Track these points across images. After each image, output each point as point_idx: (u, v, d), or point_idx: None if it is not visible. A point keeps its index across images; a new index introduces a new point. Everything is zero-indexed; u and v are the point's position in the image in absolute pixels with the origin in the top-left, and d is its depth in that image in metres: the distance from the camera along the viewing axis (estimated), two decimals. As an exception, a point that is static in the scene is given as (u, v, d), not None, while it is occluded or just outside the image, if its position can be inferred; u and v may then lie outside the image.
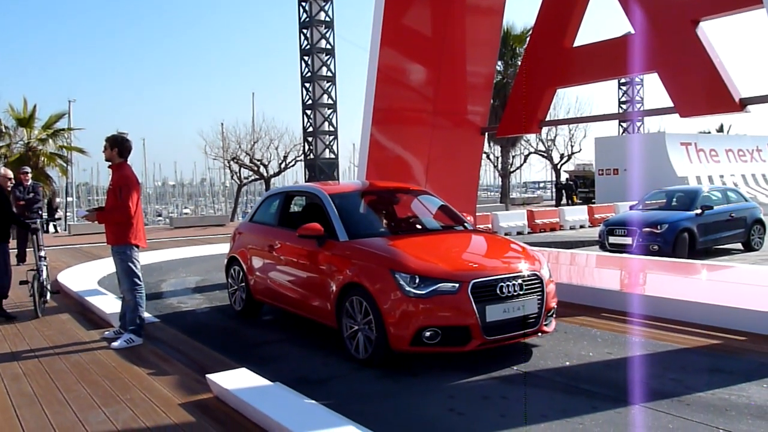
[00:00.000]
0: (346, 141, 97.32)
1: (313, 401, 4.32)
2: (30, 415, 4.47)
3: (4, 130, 26.15)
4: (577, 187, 40.30)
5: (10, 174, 8.34)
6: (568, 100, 47.17)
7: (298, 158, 36.32)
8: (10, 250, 8.14)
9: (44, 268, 8.11)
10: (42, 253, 8.15)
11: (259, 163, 36.35)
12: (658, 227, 13.18)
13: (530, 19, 43.91)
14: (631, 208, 16.11)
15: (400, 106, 10.71)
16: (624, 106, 45.09)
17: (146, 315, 6.76)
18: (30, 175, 12.86)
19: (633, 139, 38.26)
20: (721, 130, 53.97)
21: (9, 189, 8.60)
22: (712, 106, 7.78)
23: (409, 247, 5.87)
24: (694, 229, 13.35)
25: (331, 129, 33.64)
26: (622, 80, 44.97)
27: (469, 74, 11.37)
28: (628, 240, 13.54)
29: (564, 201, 37.50)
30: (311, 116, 33.13)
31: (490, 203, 40.91)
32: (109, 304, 7.84)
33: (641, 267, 10.37)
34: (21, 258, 12.67)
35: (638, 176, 29.31)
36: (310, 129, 33.29)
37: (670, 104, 8.19)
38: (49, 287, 8.35)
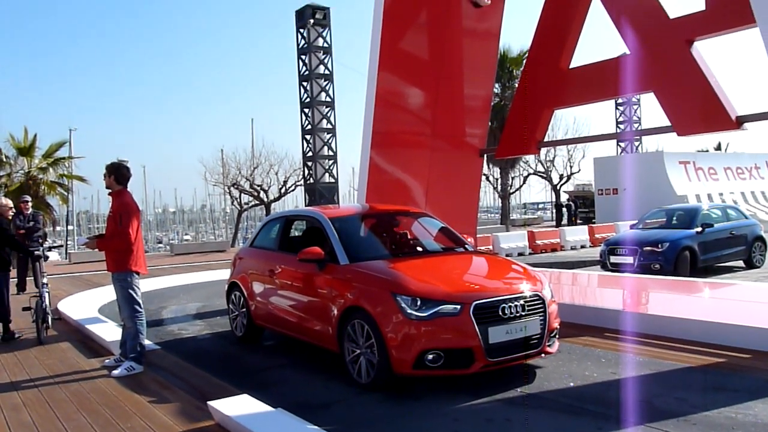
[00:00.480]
0: (346, 165, 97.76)
1: (316, 426, 4.29)
2: (30, 445, 4.42)
3: (4, 160, 26.25)
4: (577, 207, 40.33)
5: (11, 204, 8.38)
6: (566, 120, 47.26)
7: (298, 183, 36.44)
8: (10, 279, 8.17)
9: (46, 294, 8.22)
10: (44, 280, 8.30)
11: (259, 188, 36.47)
12: (659, 246, 13.15)
13: (527, 42, 44.22)
14: (631, 227, 16.10)
15: (398, 130, 10.78)
16: (621, 126, 45.29)
17: (147, 342, 6.73)
18: (30, 203, 12.88)
19: (631, 159, 38.38)
20: (719, 148, 54.11)
21: (10, 218, 8.66)
22: (709, 125, 7.83)
23: (410, 270, 5.86)
24: (695, 247, 13.32)
25: (331, 153, 33.75)
26: (619, 100, 45.26)
27: (467, 97, 11.46)
28: (629, 259, 13.50)
29: (564, 221, 37.49)
30: (311, 141, 33.26)
31: (490, 224, 40.92)
32: (110, 332, 7.81)
33: (643, 286, 10.34)
34: (21, 287, 12.65)
35: (637, 195, 29.34)
36: (310, 154, 33.40)
37: (668, 123, 8.24)
38: (50, 313, 8.43)
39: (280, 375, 6.53)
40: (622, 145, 45.62)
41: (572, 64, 9.67)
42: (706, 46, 8.62)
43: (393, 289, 5.47)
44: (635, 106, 45.55)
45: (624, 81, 8.60)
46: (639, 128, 44.35)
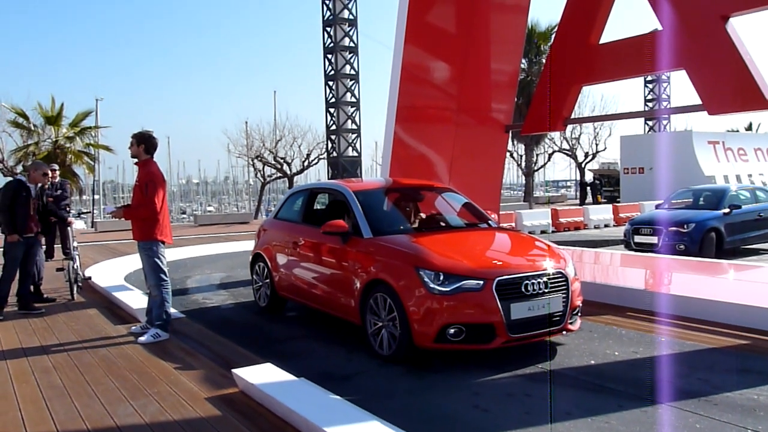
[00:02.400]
0: (369, 139, 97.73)
1: (338, 396, 4.35)
2: (60, 407, 4.55)
3: (33, 128, 26.63)
4: (602, 186, 39.91)
5: (47, 169, 8.48)
6: (593, 98, 46.86)
7: (321, 156, 36.45)
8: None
9: (77, 256, 9.10)
10: (74, 244, 9.18)
11: (282, 161, 36.55)
12: (685, 226, 13.00)
13: (555, 17, 43.52)
14: (657, 207, 15.91)
15: (423, 104, 10.69)
16: (650, 104, 44.53)
17: (172, 311, 6.84)
18: (58, 172, 13.07)
19: (659, 138, 37.78)
20: (750, 128, 53.01)
21: (47, 186, 9.39)
22: (742, 104, 7.65)
23: (434, 245, 5.87)
24: (722, 229, 13.14)
25: (354, 127, 33.69)
26: (649, 78, 44.42)
27: (494, 72, 11.31)
28: (653, 239, 13.38)
29: (589, 200, 37.15)
30: (334, 114, 33.21)
31: (513, 201, 40.71)
32: (136, 300, 7.95)
33: (667, 266, 10.24)
34: (49, 254, 12.88)
35: (664, 175, 28.93)
36: (333, 127, 33.38)
37: (698, 102, 8.07)
38: (81, 274, 9.25)
39: (302, 345, 6.62)
40: (650, 123, 44.91)
41: (602, 40, 9.49)
42: (742, 22, 8.40)
43: (416, 264, 5.49)
44: (665, 84, 44.72)
45: (655, 58, 8.41)
46: (668, 106, 43.55)
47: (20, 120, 26.38)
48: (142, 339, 6.34)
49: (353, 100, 33.44)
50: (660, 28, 8.36)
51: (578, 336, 6.29)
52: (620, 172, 36.39)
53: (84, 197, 39.98)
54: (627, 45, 9.09)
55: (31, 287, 8.25)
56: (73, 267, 8.85)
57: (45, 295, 8.66)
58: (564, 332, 5.78)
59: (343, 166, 33.07)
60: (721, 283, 9.01)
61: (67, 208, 12.72)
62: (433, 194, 7.71)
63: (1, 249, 7.79)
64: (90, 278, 9.84)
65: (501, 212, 13.80)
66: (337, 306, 6.56)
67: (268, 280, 7.94)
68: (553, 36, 11.04)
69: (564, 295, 5.60)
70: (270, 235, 8.10)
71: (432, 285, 5.33)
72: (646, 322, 6.88)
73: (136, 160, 6.59)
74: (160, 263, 6.50)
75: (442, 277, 5.34)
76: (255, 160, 37.55)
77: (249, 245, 9.36)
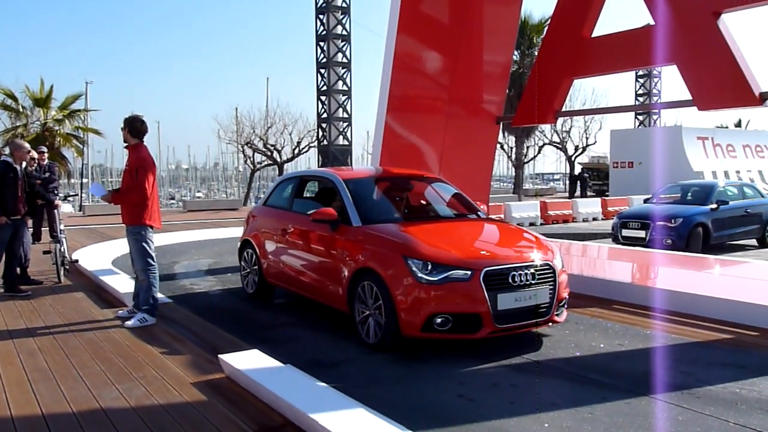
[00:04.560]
0: (360, 128, 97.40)
1: (324, 384, 4.36)
2: (45, 389, 4.54)
3: (21, 110, 26.34)
4: (590, 179, 40.05)
5: (28, 146, 8.40)
6: (584, 91, 46.70)
7: (311, 144, 36.35)
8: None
9: (63, 239, 9.05)
10: (61, 227, 9.10)
11: (272, 148, 36.42)
12: (673, 221, 13.09)
13: (548, 9, 43.52)
14: (645, 201, 16.00)
15: (415, 94, 10.68)
16: (641, 99, 44.69)
17: (159, 295, 6.82)
18: (46, 155, 12.94)
19: (649, 133, 37.94)
20: (738, 125, 53.34)
21: (34, 168, 9.41)
22: (732, 100, 7.70)
23: (422, 234, 5.88)
24: (709, 224, 13.24)
25: (346, 115, 33.61)
26: (640, 72, 44.57)
27: (486, 63, 11.31)
28: (641, 233, 13.46)
29: (577, 193, 37.30)
30: (326, 102, 33.11)
31: (502, 193, 40.79)
32: (123, 284, 7.92)
33: (654, 260, 10.32)
34: (36, 236, 12.78)
35: (653, 170, 29.08)
36: (325, 115, 33.29)
37: (689, 97, 8.12)
38: (68, 257, 9.25)
39: (289, 333, 6.62)
40: (640, 118, 45.09)
41: (595, 33, 9.51)
42: (732, 19, 8.42)
43: (405, 253, 5.50)
44: (656, 79, 44.88)
45: (647, 52, 8.45)
46: (658, 101, 43.72)
47: (8, 102, 26.10)
48: (128, 323, 6.32)
49: (345, 88, 33.34)
50: (652, 23, 8.38)
51: (564, 328, 6.34)
52: (609, 166, 36.55)
53: (72, 180, 39.68)
54: (619, 39, 9.12)
55: (18, 269, 8.20)
56: (60, 250, 8.82)
57: (31, 278, 8.60)
58: (550, 324, 5.82)
59: (334, 154, 33.01)
60: (707, 278, 9.09)
61: (55, 191, 12.61)
62: (422, 184, 7.72)
63: None
64: (77, 261, 9.79)
65: (490, 203, 13.83)
66: (325, 294, 6.56)
67: (256, 267, 7.93)
68: (546, 28, 10.99)
69: (551, 287, 5.64)
70: (259, 222, 8.08)
71: (420, 274, 5.35)
72: (632, 315, 6.93)
73: (126, 144, 6.55)
74: (147, 248, 6.47)
75: (430, 267, 5.36)
76: (245, 147, 37.38)
77: (237, 232, 9.34)
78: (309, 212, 6.71)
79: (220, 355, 4.90)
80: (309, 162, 50.62)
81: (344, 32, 32.85)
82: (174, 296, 8.03)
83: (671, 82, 53.14)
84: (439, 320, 5.30)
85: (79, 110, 28.11)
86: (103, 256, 10.73)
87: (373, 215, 6.39)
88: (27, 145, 8.13)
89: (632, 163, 33.61)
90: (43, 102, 26.40)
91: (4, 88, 26.04)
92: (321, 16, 32.77)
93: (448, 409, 4.37)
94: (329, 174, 7.25)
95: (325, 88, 32.99)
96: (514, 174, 42.76)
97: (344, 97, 33.39)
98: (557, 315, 5.81)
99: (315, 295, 6.84)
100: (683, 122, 40.70)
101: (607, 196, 30.79)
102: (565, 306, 6.04)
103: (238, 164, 60.47)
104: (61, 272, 8.82)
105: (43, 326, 6.36)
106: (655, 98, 44.38)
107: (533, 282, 5.50)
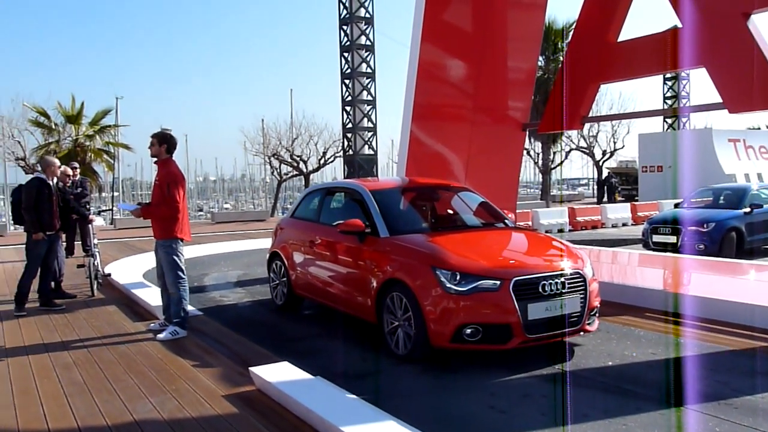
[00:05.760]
0: (385, 137, 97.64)
1: (354, 396, 4.36)
2: (81, 403, 4.61)
3: (53, 127, 26.94)
4: (619, 184, 39.55)
5: (69, 171, 8.68)
6: (611, 95, 46.31)
7: (337, 154, 36.46)
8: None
9: (97, 253, 9.42)
10: (95, 241, 9.40)
11: (298, 159, 36.63)
12: (705, 226, 12.87)
13: (572, 14, 43.17)
14: (676, 206, 15.76)
15: (440, 103, 10.67)
16: (669, 102, 44.05)
17: (190, 308, 6.89)
18: (78, 170, 13.21)
19: (678, 136, 37.32)
20: (770, 126, 52.23)
21: (69, 184, 9.76)
22: (763, 102, 7.56)
23: (450, 244, 5.86)
24: (742, 228, 12.99)
25: (371, 125, 33.65)
26: (668, 75, 43.91)
27: (511, 70, 11.26)
28: (672, 239, 13.25)
29: (605, 198, 36.88)
30: (350, 112, 33.21)
31: (529, 200, 40.47)
32: (154, 297, 8.00)
33: (686, 266, 10.14)
34: (70, 251, 13.02)
35: (684, 173, 28.63)
36: (350, 125, 33.38)
37: (718, 100, 7.98)
38: (102, 270, 9.58)
39: (319, 344, 6.64)
40: (669, 121, 44.43)
41: (620, 38, 9.42)
42: (764, 19, 8.26)
43: (433, 263, 5.49)
44: (684, 82, 44.17)
45: (675, 55, 8.34)
46: (687, 104, 43.04)
47: (41, 119, 26.70)
48: (160, 336, 6.40)
49: (369, 98, 33.40)
50: (680, 25, 8.27)
51: (596, 337, 6.26)
52: (638, 170, 36.06)
53: (103, 194, 40.36)
54: (646, 43, 9.01)
55: (52, 284, 8.36)
56: (93, 264, 9.02)
57: (65, 292, 8.77)
58: (581, 333, 5.76)
59: (359, 164, 33.05)
60: (742, 283, 8.91)
61: (87, 206, 12.86)
62: (449, 193, 7.70)
63: (24, 246, 7.88)
64: (110, 275, 9.96)
65: (517, 211, 13.74)
66: (353, 305, 6.57)
67: (285, 279, 7.98)
68: (571, 34, 10.92)
69: (582, 296, 5.58)
70: (287, 234, 8.14)
71: (448, 285, 5.33)
72: (665, 323, 6.82)
73: (155, 159, 6.65)
74: (178, 261, 6.55)
75: (458, 277, 5.34)
76: (271, 158, 37.66)
77: (265, 243, 9.39)
78: (336, 223, 6.74)
79: (250, 368, 4.93)
80: (335, 171, 50.83)
81: (368, 42, 32.94)
82: (204, 308, 8.10)
83: (700, 84, 52.23)
84: (468, 331, 5.28)
85: (109, 125, 28.65)
86: (134, 270, 10.88)
87: (401, 226, 6.40)
88: (57, 161, 8.31)
89: (661, 167, 33.12)
90: (74, 118, 26.98)
91: (37, 107, 26.68)
92: (345, 27, 32.93)
93: (479, 420, 4.34)
94: (356, 185, 7.28)
95: (349, 98, 33.10)
96: (541, 180, 42.39)
97: (369, 107, 33.46)
98: (588, 324, 5.74)
99: (343, 306, 6.86)
100: (713, 124, 40.11)
101: (637, 200, 30.39)
102: (597, 315, 5.97)
103: (265, 175, 60.96)
104: (95, 286, 8.99)
105: (78, 339, 6.47)
106: (683, 101, 43.64)
107: (564, 291, 5.44)
